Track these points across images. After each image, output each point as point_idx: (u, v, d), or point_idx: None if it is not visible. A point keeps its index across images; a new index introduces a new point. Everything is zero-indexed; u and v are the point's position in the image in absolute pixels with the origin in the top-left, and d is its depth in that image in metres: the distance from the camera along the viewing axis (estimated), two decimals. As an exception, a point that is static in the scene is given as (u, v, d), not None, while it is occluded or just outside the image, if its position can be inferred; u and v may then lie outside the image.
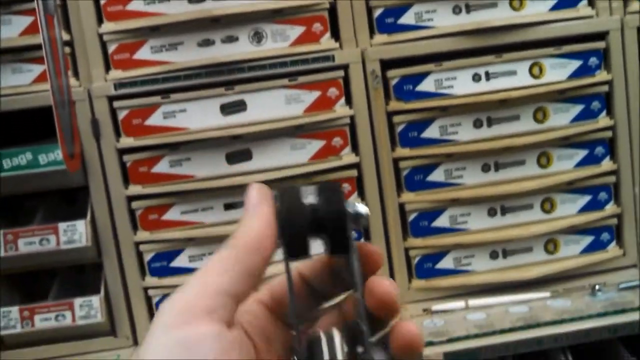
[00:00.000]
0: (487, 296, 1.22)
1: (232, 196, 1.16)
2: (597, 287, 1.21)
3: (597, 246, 1.26)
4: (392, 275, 1.21)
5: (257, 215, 0.39)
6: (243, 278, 0.37)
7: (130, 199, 1.15)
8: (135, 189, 1.15)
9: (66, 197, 1.24)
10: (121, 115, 1.12)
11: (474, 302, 1.21)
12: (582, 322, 1.12)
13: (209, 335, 0.34)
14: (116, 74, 1.11)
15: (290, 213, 0.38)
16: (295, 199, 0.39)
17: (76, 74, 1.12)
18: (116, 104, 1.11)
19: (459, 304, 1.20)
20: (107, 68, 1.12)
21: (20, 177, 1.11)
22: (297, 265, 0.42)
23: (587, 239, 1.26)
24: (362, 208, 0.39)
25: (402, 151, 1.18)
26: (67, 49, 1.10)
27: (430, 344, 1.10)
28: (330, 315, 0.43)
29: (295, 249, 0.38)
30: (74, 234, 1.13)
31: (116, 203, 1.15)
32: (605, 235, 1.26)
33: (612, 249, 1.26)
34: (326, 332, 0.37)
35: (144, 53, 1.11)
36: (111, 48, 1.11)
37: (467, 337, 1.12)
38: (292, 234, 0.38)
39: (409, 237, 1.22)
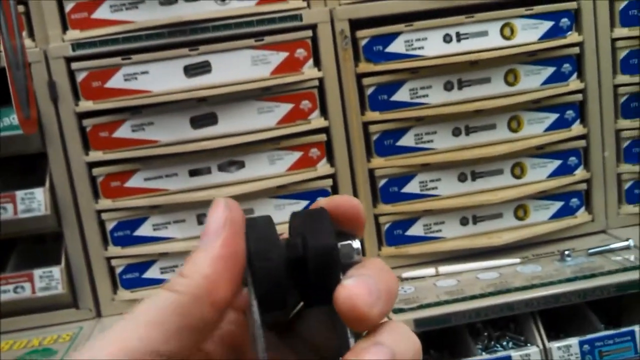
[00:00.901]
0: (457, 263, 1.19)
1: (197, 162, 1.11)
2: (566, 252, 1.19)
3: (566, 212, 1.24)
4: (361, 242, 1.17)
5: (215, 248, 0.29)
6: (183, 335, 0.28)
7: (91, 165, 1.09)
8: (95, 155, 1.09)
9: (24, 165, 1.17)
10: (80, 77, 1.06)
11: (444, 268, 1.18)
12: (552, 287, 1.10)
13: None
14: (74, 34, 1.05)
15: (265, 251, 0.29)
16: (269, 230, 0.30)
17: (31, 35, 1.05)
18: (74, 65, 1.05)
19: (429, 270, 1.17)
20: (65, 28, 1.06)
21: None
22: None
23: (557, 205, 1.23)
24: (356, 243, 0.31)
25: (371, 115, 1.14)
26: (21, 8, 1.03)
27: (400, 310, 1.07)
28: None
29: (270, 301, 0.29)
30: (32, 202, 1.08)
31: (76, 170, 1.09)
32: (574, 201, 1.24)
33: (582, 215, 1.24)
34: None
35: (103, 12, 1.05)
36: (68, 7, 1.04)
37: (437, 304, 1.09)
38: (266, 281, 0.29)
39: (378, 204, 1.18)
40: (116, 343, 0.27)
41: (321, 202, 0.32)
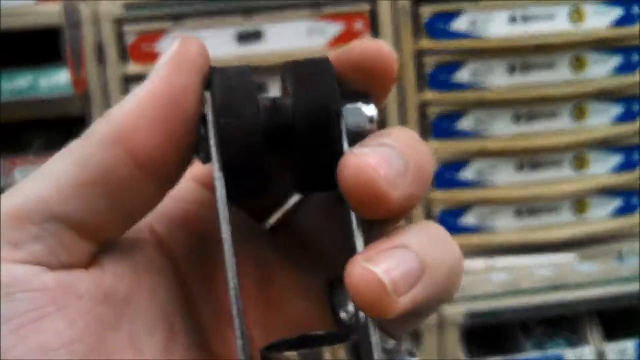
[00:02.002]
0: (510, 256, 1.11)
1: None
2: (624, 252, 1.10)
3: (627, 209, 1.14)
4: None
5: (145, 84, 0.20)
6: (87, 193, 0.19)
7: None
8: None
9: (64, 128, 1.11)
10: (129, 40, 1.00)
11: (497, 262, 1.09)
12: (610, 286, 1.02)
13: (4, 278, 0.19)
14: (125, -7, 0.99)
15: (233, 105, 0.20)
16: (244, 81, 0.20)
17: (82, -6, 0.99)
18: (125, 27, 0.99)
19: (481, 262, 1.09)
20: (116, -13, 1.00)
21: (19, 102, 1.00)
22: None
23: (617, 202, 1.14)
24: (368, 108, 0.21)
25: (429, 94, 1.06)
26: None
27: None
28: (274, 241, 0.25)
29: (241, 178, 0.20)
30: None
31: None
32: (635, 199, 1.14)
33: (641, 214, 1.15)
34: (301, 342, 0.20)
35: (156, -28, 0.99)
36: (121, -34, 0.98)
37: (489, 296, 1.01)
38: (235, 147, 0.20)
39: (431, 190, 1.10)
40: (8, 205, 0.19)
41: (337, 51, 0.22)
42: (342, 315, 0.21)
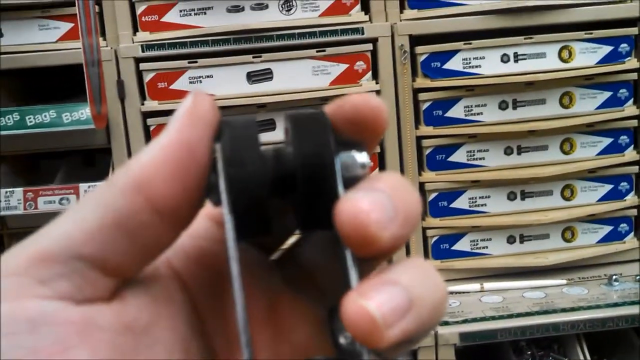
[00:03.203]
0: (502, 280, 1.13)
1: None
2: (614, 277, 1.12)
3: (614, 237, 1.17)
4: (408, 254, 1.12)
5: (161, 137, 0.22)
6: (109, 235, 0.21)
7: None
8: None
9: (86, 158, 1.15)
10: (147, 77, 1.03)
11: (489, 285, 1.12)
12: (599, 310, 1.03)
13: (30, 315, 0.20)
14: (144, 35, 1.03)
15: (240, 155, 0.21)
16: (249, 132, 0.22)
17: (103, 34, 1.03)
18: (142, 66, 1.03)
19: (474, 286, 1.11)
20: (135, 29, 1.03)
21: (43, 135, 1.03)
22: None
23: (605, 229, 1.16)
24: (360, 156, 0.23)
25: (425, 129, 1.09)
26: (96, 8, 1.01)
27: (445, 323, 1.01)
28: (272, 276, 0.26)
29: (248, 220, 0.21)
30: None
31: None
32: (623, 226, 1.16)
33: (630, 241, 1.17)
34: None
35: (172, 16, 1.02)
36: (140, 9, 1.02)
37: (483, 319, 1.03)
38: (242, 193, 0.21)
39: (427, 217, 1.12)
40: (31, 245, 0.21)
41: (331, 105, 0.24)
42: (342, 340, 0.22)
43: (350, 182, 0.22)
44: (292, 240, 0.27)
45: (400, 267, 0.21)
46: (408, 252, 1.12)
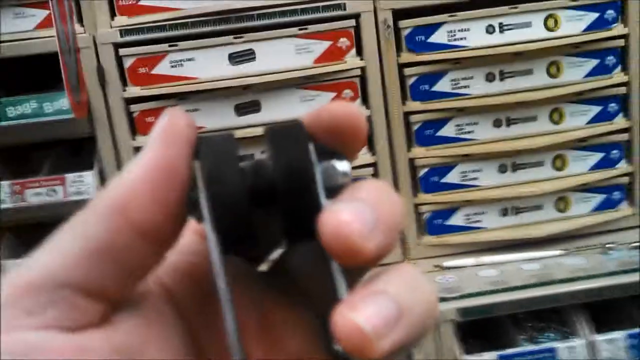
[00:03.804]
0: (497, 254, 1.10)
1: (242, 148, 1.03)
2: (609, 245, 1.09)
3: (608, 205, 1.14)
4: (401, 233, 1.09)
5: (138, 160, 0.21)
6: (93, 262, 0.20)
7: (138, 149, 1.03)
8: (143, 140, 1.02)
9: (72, 148, 1.11)
10: (127, 63, 1.00)
11: (485, 259, 1.08)
12: (598, 279, 1.00)
13: (21, 348, 0.19)
14: (122, 20, 0.99)
15: (219, 172, 0.21)
16: (227, 148, 0.22)
17: (80, 20, 0.99)
18: (122, 51, 0.99)
19: (470, 260, 1.08)
20: (113, 15, 0.99)
21: (25, 126, 0.99)
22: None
23: (598, 198, 1.13)
24: (341, 165, 0.22)
25: (413, 104, 1.05)
26: (72, -5, 0.97)
27: (443, 300, 0.98)
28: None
29: (232, 236, 0.21)
30: (82, 185, 1.01)
31: (124, 154, 1.03)
32: (616, 194, 1.14)
33: (623, 208, 1.14)
34: None
35: (150, -1, 0.98)
36: (117, -6, 0.98)
37: (480, 293, 1.00)
38: (224, 210, 0.21)
39: (419, 193, 1.09)
40: (15, 277, 0.20)
41: (309, 114, 0.23)
42: (337, 347, 0.21)
43: (333, 191, 0.21)
44: (279, 250, 0.26)
45: (388, 276, 0.21)
46: (401, 232, 1.08)
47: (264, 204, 0.21)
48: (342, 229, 0.20)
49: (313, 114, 0.23)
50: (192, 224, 0.23)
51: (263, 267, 0.26)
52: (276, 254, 0.26)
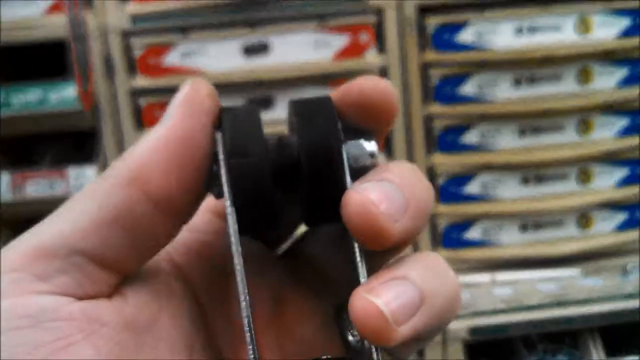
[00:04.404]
0: (514, 270, 1.03)
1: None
2: (629, 266, 1.02)
3: (632, 224, 1.07)
4: (415, 243, 1.02)
5: (158, 129, 0.20)
6: (105, 231, 0.19)
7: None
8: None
9: (76, 142, 1.05)
10: (137, 53, 0.93)
11: (501, 276, 1.02)
12: (614, 302, 0.94)
13: (31, 311, 0.19)
14: (132, 7, 0.93)
15: (243, 145, 0.20)
16: (252, 122, 0.20)
17: (89, 6, 0.93)
18: (132, 40, 0.93)
19: (485, 277, 1.02)
20: (123, 0, 0.93)
21: (29, 116, 0.93)
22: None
23: (622, 216, 1.06)
24: (369, 145, 0.21)
25: (435, 107, 0.99)
26: (82, -22, 0.91)
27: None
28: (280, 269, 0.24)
29: (254, 217, 0.20)
30: (84, 179, 0.96)
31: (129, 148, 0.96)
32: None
33: (647, 228, 1.07)
34: None
35: (163, -16, 0.92)
36: (128, -21, 0.92)
37: (494, 312, 0.93)
38: (245, 184, 0.19)
39: (436, 204, 1.02)
40: (28, 242, 0.20)
41: (338, 90, 0.22)
42: (350, 338, 0.20)
43: (358, 172, 0.20)
44: (297, 233, 0.25)
45: (411, 262, 0.20)
46: (415, 243, 1.02)
47: (286, 181, 0.20)
48: (369, 209, 0.19)
49: (341, 90, 0.22)
50: (206, 203, 0.23)
51: (279, 250, 0.25)
52: (294, 237, 0.25)
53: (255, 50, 0.94)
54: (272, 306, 0.23)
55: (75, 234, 0.20)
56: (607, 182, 1.05)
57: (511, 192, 1.03)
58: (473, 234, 1.04)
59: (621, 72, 1.00)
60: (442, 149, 1.00)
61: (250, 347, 0.19)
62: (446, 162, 1.00)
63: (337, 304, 0.22)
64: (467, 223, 1.03)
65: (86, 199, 0.20)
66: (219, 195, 0.20)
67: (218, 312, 0.23)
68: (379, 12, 0.95)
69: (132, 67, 0.95)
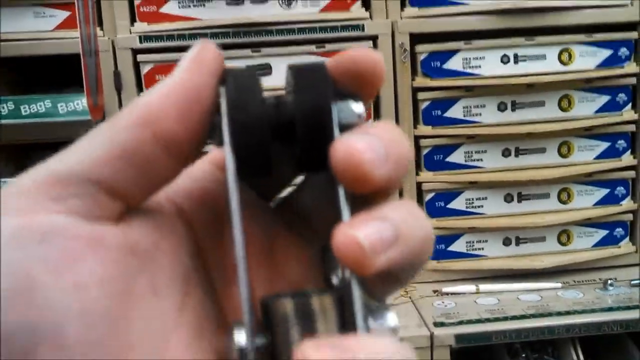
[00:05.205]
0: (497, 282, 1.07)
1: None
2: (609, 281, 1.06)
3: (610, 241, 1.12)
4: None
5: (167, 80, 0.22)
6: (117, 164, 0.21)
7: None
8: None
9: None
10: (145, 69, 0.98)
11: (485, 287, 1.06)
12: (595, 314, 0.98)
13: (41, 227, 0.20)
14: (141, 26, 0.97)
15: (243, 101, 0.22)
16: (252, 82, 0.22)
17: (100, 24, 0.97)
18: (140, 57, 0.97)
19: (470, 287, 1.06)
20: (133, 20, 0.98)
21: (36, 125, 0.97)
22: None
23: (601, 233, 1.11)
24: (356, 106, 0.23)
25: (424, 129, 1.04)
26: (93, -2, 0.96)
27: (441, 324, 0.96)
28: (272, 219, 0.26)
29: (250, 163, 0.22)
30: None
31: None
32: (619, 231, 1.12)
33: (625, 245, 1.12)
34: (296, 296, 0.21)
35: (171, 7, 0.97)
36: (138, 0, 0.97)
37: (478, 321, 0.97)
38: (244, 135, 0.22)
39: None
40: (45, 169, 0.21)
41: (332, 58, 0.24)
42: (334, 279, 0.22)
43: (346, 129, 0.22)
44: (288, 190, 0.27)
45: (390, 206, 0.22)
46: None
47: (281, 135, 0.22)
48: (354, 156, 0.20)
49: (336, 57, 0.23)
50: (208, 156, 0.25)
51: (274, 200, 0.27)
52: (287, 192, 0.27)
53: (258, 70, 0.98)
54: (264, 249, 0.25)
55: (88, 164, 0.21)
56: (586, 202, 1.10)
57: (495, 209, 1.08)
58: (458, 246, 1.08)
59: (600, 100, 1.05)
60: (429, 167, 1.05)
61: (243, 279, 0.21)
62: (433, 180, 1.05)
63: (323, 245, 0.24)
64: (453, 236, 1.08)
65: (99, 136, 0.21)
66: (220, 143, 0.22)
67: (215, 252, 0.24)
68: (374, 39, 0.99)
69: (140, 82, 0.99)
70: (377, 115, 1.03)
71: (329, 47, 0.99)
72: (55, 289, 0.19)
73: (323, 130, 0.22)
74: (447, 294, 1.05)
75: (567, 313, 0.98)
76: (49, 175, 0.21)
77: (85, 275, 0.20)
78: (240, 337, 0.21)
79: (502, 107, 1.04)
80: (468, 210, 1.07)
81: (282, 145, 0.22)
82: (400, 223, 0.21)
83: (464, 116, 1.04)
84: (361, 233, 0.20)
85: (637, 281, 1.07)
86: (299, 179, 0.26)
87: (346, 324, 0.21)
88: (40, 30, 0.96)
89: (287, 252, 0.25)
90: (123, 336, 0.20)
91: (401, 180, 0.22)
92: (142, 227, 0.22)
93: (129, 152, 0.21)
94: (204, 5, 0.97)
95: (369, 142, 0.21)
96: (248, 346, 0.21)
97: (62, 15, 0.96)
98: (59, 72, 0.99)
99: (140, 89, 0.99)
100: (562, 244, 1.10)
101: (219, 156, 0.25)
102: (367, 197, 0.22)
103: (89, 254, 0.20)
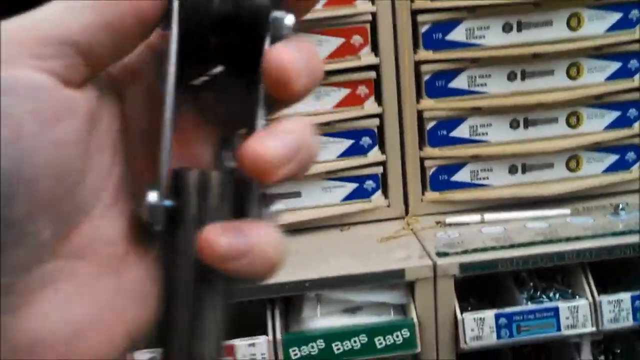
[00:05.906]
0: (504, 212, 1.03)
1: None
2: (620, 206, 1.02)
3: (621, 165, 1.07)
4: (405, 185, 1.03)
5: None
6: (99, 31, 0.23)
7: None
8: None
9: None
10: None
11: (490, 216, 1.02)
12: (605, 239, 0.94)
13: (32, 83, 0.22)
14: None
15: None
16: None
17: None
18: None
19: (474, 217, 1.02)
20: None
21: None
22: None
23: (612, 158, 1.06)
24: (289, 19, 0.25)
25: (424, 53, 0.98)
26: None
27: (444, 254, 0.92)
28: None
29: (192, 48, 0.24)
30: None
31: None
32: (630, 155, 1.06)
33: (637, 170, 1.07)
34: (200, 171, 0.24)
35: None
36: None
37: (483, 249, 0.94)
38: (190, 20, 0.24)
39: (425, 147, 1.03)
40: (29, 24, 0.22)
41: None
42: (228, 164, 0.25)
43: (277, 37, 0.24)
44: (204, 78, 0.28)
45: (293, 121, 0.24)
46: (405, 182, 1.03)
47: (220, 30, 0.24)
48: (284, 64, 0.23)
49: None
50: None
51: (196, 82, 0.28)
52: (202, 79, 0.28)
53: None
54: (177, 126, 0.26)
55: (73, 28, 0.22)
56: (596, 126, 1.04)
57: (500, 136, 1.03)
58: (462, 176, 1.04)
59: (611, 67, 1.00)
60: (430, 94, 1.00)
61: (167, 141, 0.24)
62: (435, 107, 1.00)
63: (225, 136, 0.26)
64: (456, 166, 1.04)
65: (86, 3, 0.23)
66: (166, 27, 0.24)
67: (137, 125, 0.26)
68: (374, 13, 0.95)
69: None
70: (374, 41, 0.97)
71: (325, 25, 0.95)
72: (40, 142, 0.21)
73: (257, 33, 0.24)
74: (450, 224, 1.01)
75: (577, 238, 0.95)
76: (34, 28, 0.22)
77: (63, 135, 0.22)
78: (153, 197, 0.23)
79: (510, 77, 1.00)
80: (472, 138, 1.02)
81: (216, 36, 0.24)
82: (303, 137, 0.24)
83: (467, 39, 0.98)
84: (266, 146, 0.23)
85: (650, 205, 1.02)
86: (217, 69, 0.28)
87: (240, 208, 0.24)
88: None
89: (195, 132, 0.27)
90: (79, 192, 0.23)
91: (314, 88, 0.25)
92: (92, 93, 0.24)
93: (109, 22, 0.23)
94: None
95: (297, 55, 0.23)
96: (159, 204, 0.23)
97: None
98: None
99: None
100: (571, 170, 1.06)
101: (154, 40, 0.26)
102: (278, 102, 0.25)
103: (67, 117, 0.22)
